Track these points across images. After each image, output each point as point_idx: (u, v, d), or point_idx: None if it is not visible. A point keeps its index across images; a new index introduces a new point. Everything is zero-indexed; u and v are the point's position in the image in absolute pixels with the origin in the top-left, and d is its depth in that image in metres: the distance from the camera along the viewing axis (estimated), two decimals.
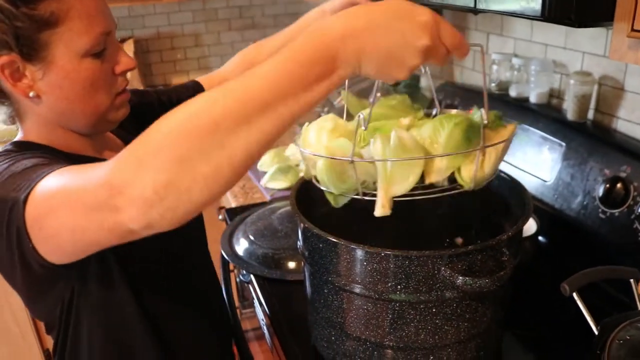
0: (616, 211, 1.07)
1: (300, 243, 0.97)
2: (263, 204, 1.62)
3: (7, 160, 0.77)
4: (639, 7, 0.68)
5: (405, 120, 0.89)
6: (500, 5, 0.78)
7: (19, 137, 0.87)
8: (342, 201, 0.87)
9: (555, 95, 1.37)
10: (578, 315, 1.02)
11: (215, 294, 1.15)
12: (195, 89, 1.17)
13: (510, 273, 0.81)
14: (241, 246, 1.38)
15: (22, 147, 0.83)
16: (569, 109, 1.25)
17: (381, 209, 0.79)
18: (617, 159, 1.10)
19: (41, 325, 2.26)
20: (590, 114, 1.26)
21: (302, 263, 1.03)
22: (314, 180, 0.91)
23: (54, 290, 0.82)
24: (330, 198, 0.87)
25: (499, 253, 0.83)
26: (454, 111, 0.95)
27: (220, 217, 1.93)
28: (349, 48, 0.60)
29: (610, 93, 1.21)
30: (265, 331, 1.21)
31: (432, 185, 0.82)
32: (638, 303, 0.84)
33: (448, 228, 1.08)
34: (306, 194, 0.98)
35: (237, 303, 1.79)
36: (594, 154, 1.14)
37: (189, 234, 1.07)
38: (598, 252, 1.12)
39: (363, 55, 0.61)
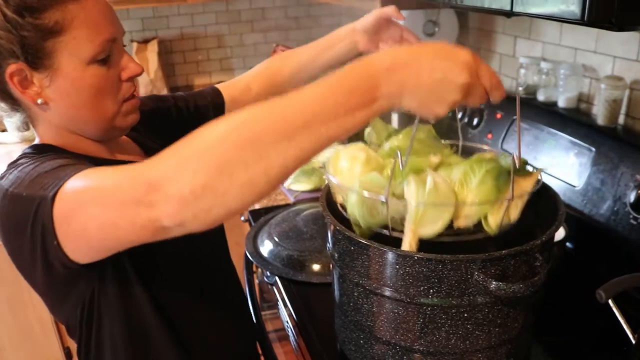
0: None
1: (329, 245, 0.97)
2: (287, 205, 1.62)
3: (32, 162, 0.79)
4: None
5: (435, 159, 0.92)
6: (538, 9, 0.78)
7: (36, 141, 0.89)
8: (369, 234, 0.89)
9: (584, 99, 1.36)
10: (606, 322, 1.01)
11: (236, 294, 1.16)
12: (213, 95, 1.18)
13: (544, 278, 0.80)
14: (265, 247, 1.39)
15: (42, 150, 0.85)
16: (600, 113, 1.23)
17: (407, 248, 0.82)
18: None
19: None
20: (621, 119, 1.24)
21: (331, 266, 1.03)
22: (340, 208, 0.92)
23: (74, 292, 0.83)
24: (356, 229, 0.89)
25: (532, 258, 0.83)
26: (485, 150, 0.97)
27: (242, 217, 1.94)
28: (392, 81, 0.64)
29: None
30: (290, 333, 1.21)
31: (458, 229, 0.84)
32: None
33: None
34: (331, 194, 0.98)
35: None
36: (625, 160, 1.13)
37: (208, 234, 1.08)
38: (628, 258, 1.11)
39: (405, 89, 0.64)
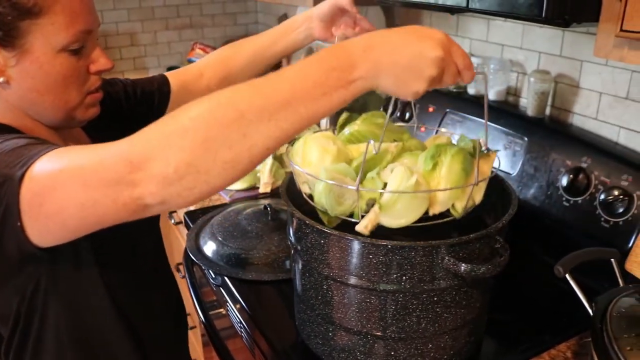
0: (579, 199, 1.15)
1: (292, 239, 0.97)
2: (223, 205, 1.59)
3: None
4: (627, 9, 0.74)
5: (398, 147, 0.93)
6: (496, 6, 0.82)
7: None
8: (336, 222, 0.90)
9: (512, 92, 1.45)
10: (545, 300, 1.10)
11: (173, 287, 1.17)
12: (160, 82, 1.16)
13: (508, 259, 0.85)
14: (209, 248, 1.35)
15: None
16: (529, 105, 1.32)
17: (363, 229, 0.84)
18: (578, 151, 1.18)
19: None
20: (547, 110, 1.34)
21: (290, 260, 1.02)
22: (306, 197, 0.92)
23: (15, 280, 0.80)
24: (324, 219, 0.90)
25: (493, 241, 0.88)
26: (441, 133, 1.01)
27: (172, 221, 1.88)
28: (368, 59, 0.66)
29: (566, 90, 1.30)
30: (244, 334, 1.19)
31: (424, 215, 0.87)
32: (620, 279, 0.92)
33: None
34: (294, 188, 0.98)
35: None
36: (556, 147, 1.22)
37: (151, 221, 1.08)
38: (563, 237, 1.20)
39: (382, 67, 0.66)
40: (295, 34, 1.14)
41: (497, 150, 0.94)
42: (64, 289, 0.84)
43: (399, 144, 0.94)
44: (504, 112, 1.36)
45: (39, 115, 0.85)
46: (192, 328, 2.01)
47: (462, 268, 0.81)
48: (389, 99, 1.65)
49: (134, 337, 0.95)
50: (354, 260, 0.85)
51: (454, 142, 1.01)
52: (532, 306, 1.13)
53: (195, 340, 2.08)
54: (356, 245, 0.84)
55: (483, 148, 0.89)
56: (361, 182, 0.86)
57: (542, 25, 1.29)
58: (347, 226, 0.86)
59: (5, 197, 0.67)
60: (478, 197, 0.89)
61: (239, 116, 0.62)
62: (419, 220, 0.85)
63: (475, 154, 0.88)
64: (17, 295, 0.81)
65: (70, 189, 0.65)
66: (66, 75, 0.81)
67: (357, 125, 0.99)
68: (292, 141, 0.95)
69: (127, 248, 0.95)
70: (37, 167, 0.67)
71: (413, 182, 0.81)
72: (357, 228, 0.84)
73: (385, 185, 0.84)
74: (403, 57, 0.66)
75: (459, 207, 0.87)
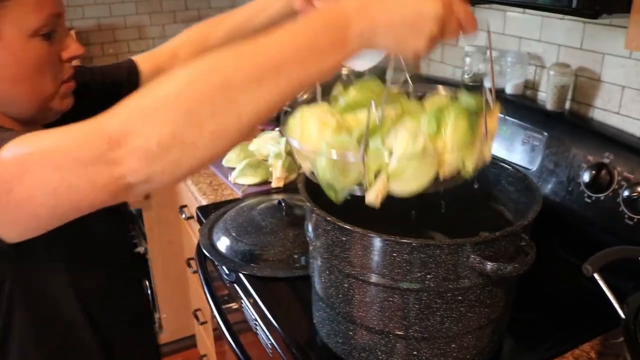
0: (602, 195, 1.13)
1: (311, 237, 0.95)
2: (236, 200, 1.57)
3: None
4: None
5: (393, 114, 0.89)
6: None
7: None
8: (343, 198, 0.87)
9: (529, 86, 1.43)
10: (563, 298, 1.08)
11: (140, 289, 1.15)
12: (128, 68, 1.10)
13: (534, 257, 0.83)
14: (222, 243, 1.34)
15: None
16: (548, 99, 1.30)
17: (373, 200, 0.80)
18: (600, 146, 1.16)
19: None
20: (567, 104, 1.32)
21: (310, 258, 1.01)
22: (309, 175, 0.89)
23: None
24: (331, 195, 0.86)
25: (518, 239, 0.86)
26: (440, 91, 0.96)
27: (183, 216, 1.86)
28: (363, 19, 0.62)
29: (586, 84, 1.28)
30: (260, 331, 1.18)
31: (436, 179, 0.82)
32: None
33: (441, 220, 1.08)
34: (312, 182, 0.95)
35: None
36: (576, 142, 1.20)
37: (116, 216, 1.04)
38: (585, 234, 1.18)
39: (378, 26, 0.62)
40: (273, 8, 1.07)
41: (499, 104, 0.89)
42: (32, 289, 0.81)
43: (398, 108, 0.90)
44: (522, 106, 1.34)
45: (10, 108, 0.80)
46: (203, 323, 2.01)
47: (489, 267, 0.79)
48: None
49: (100, 337, 0.91)
50: (377, 258, 0.84)
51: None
52: (553, 305, 1.11)
53: (205, 336, 2.07)
54: (379, 243, 0.82)
55: (491, 103, 0.85)
56: (365, 151, 0.81)
57: (562, 17, 1.27)
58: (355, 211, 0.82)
59: None
60: (487, 154, 0.85)
61: (226, 83, 0.59)
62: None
63: (477, 110, 0.83)
64: None
65: (40, 174, 0.61)
66: (40, 62, 0.78)
67: (352, 94, 0.95)
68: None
69: (94, 246, 0.91)
70: (4, 153, 0.63)
71: (421, 146, 0.78)
72: (367, 200, 0.80)
73: (390, 152, 0.80)
74: (399, 14, 0.62)
75: (470, 166, 0.83)
